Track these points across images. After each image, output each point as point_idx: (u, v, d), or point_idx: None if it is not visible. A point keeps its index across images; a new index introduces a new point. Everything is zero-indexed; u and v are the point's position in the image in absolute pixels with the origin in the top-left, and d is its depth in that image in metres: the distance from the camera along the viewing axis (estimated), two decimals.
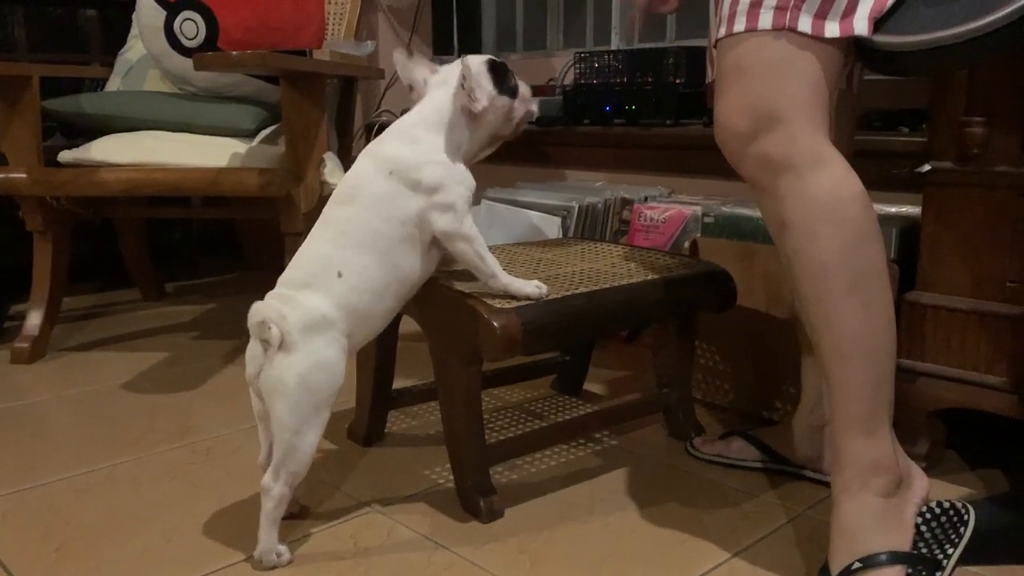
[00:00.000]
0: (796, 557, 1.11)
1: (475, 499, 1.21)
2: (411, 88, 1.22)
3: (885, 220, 1.49)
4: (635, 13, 1.23)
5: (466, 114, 1.16)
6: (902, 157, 1.55)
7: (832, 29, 0.94)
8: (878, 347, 0.96)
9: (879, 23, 0.95)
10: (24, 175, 1.87)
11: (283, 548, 1.10)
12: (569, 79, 2.44)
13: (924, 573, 0.95)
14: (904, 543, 0.97)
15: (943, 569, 0.96)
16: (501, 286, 1.18)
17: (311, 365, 1.06)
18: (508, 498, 1.26)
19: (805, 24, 0.94)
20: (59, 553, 1.13)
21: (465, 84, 1.14)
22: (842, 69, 1.01)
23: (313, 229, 1.15)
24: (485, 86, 1.16)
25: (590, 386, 1.76)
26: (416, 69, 1.21)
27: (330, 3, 2.36)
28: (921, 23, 0.91)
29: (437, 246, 1.17)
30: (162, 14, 1.92)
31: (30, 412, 1.64)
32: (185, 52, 1.91)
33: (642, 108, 2.10)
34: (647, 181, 2.20)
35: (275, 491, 1.07)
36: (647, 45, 2.44)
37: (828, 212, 0.94)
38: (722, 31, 1.00)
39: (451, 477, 1.28)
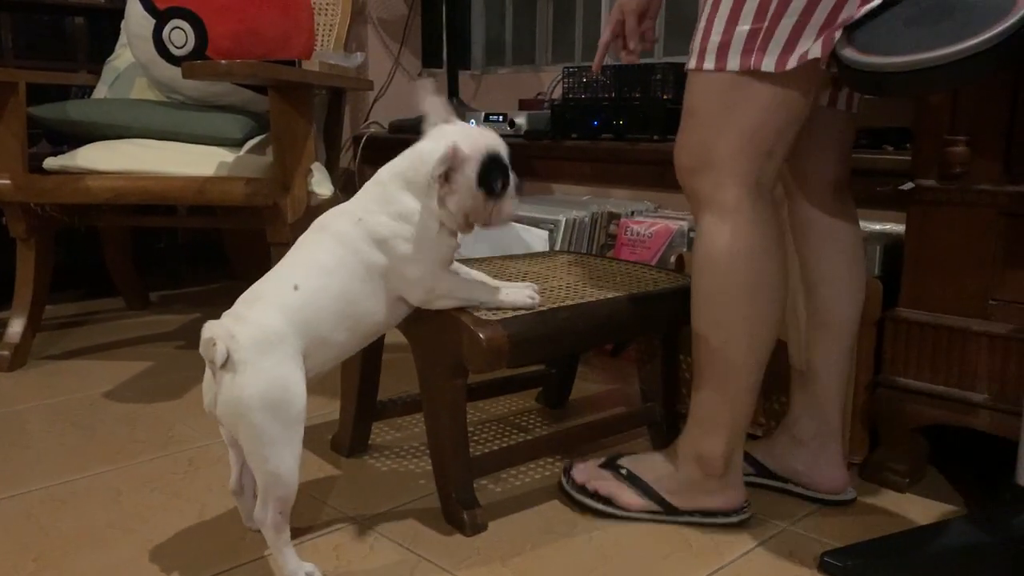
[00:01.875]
0: (778, 573, 1.11)
1: (459, 512, 1.21)
2: (424, 120, 1.14)
3: (869, 237, 1.50)
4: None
5: (439, 186, 1.07)
6: (886, 175, 1.56)
7: (792, 61, 1.00)
8: (728, 377, 1.13)
9: (862, 44, 0.97)
10: (8, 181, 1.85)
11: (310, 566, 1.06)
12: (557, 93, 2.45)
13: (661, 511, 1.22)
14: (669, 499, 1.21)
15: (678, 515, 1.22)
16: (497, 304, 1.18)
17: (267, 383, 0.99)
18: (492, 511, 1.26)
19: (769, 64, 1.01)
20: (37, 563, 1.11)
21: (445, 157, 1.04)
22: (810, 93, 1.06)
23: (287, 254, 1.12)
24: (470, 169, 1.07)
25: (575, 399, 1.75)
26: (434, 107, 1.12)
27: (320, 14, 2.37)
28: (905, 45, 0.93)
29: (405, 302, 1.14)
30: (151, 22, 1.92)
31: (10, 421, 1.63)
32: (174, 61, 1.91)
33: (630, 123, 2.11)
34: (634, 196, 2.21)
35: (268, 521, 1.02)
36: None
37: (718, 258, 1.09)
38: (692, 63, 1.08)
39: (435, 490, 1.27)
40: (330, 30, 2.37)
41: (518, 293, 1.20)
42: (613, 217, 2.07)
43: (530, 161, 2.38)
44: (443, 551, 1.16)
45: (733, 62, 1.03)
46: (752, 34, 1.02)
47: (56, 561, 1.12)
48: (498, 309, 1.18)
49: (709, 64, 1.05)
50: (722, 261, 1.09)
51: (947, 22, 0.91)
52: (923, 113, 1.28)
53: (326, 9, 2.38)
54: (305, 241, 1.12)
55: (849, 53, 0.97)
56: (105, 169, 1.86)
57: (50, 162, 1.93)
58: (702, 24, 1.07)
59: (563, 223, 2.02)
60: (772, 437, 1.34)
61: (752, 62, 1.02)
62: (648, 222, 1.95)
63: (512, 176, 1.12)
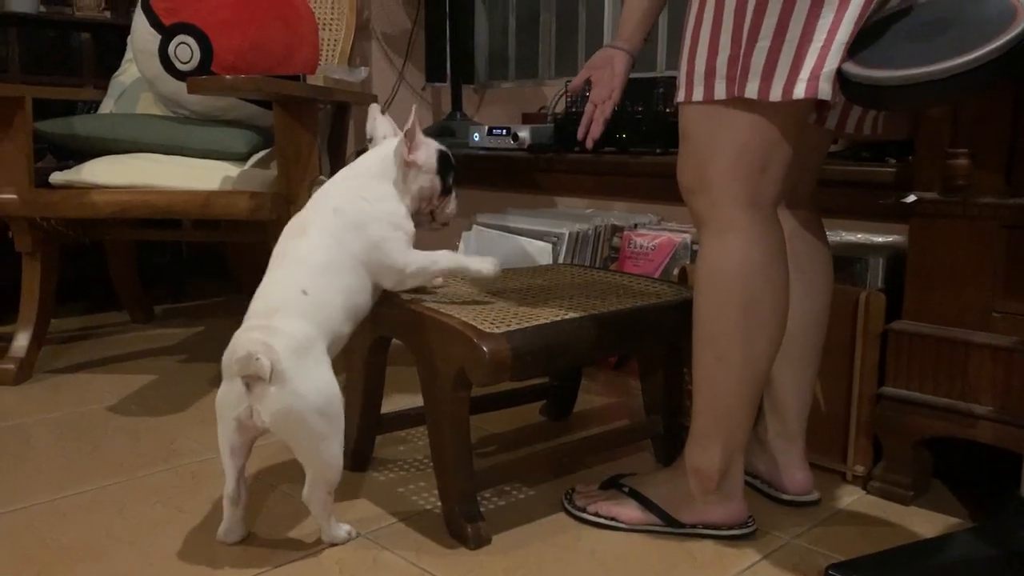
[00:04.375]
0: None
1: (462, 525, 1.20)
2: (371, 140, 1.32)
3: (872, 249, 1.50)
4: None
5: (401, 166, 1.24)
6: (889, 187, 1.57)
7: (776, 93, 1.02)
8: (723, 393, 1.14)
9: (861, 57, 0.97)
10: (15, 196, 1.86)
11: (346, 526, 1.20)
12: (560, 107, 2.46)
13: (661, 522, 1.22)
14: (671, 513, 1.22)
15: (682, 528, 1.21)
16: (464, 273, 1.28)
17: (312, 387, 1.07)
18: (495, 524, 1.26)
19: (752, 90, 1.03)
20: None
21: (409, 134, 1.23)
22: (798, 116, 1.08)
23: (269, 267, 1.19)
24: (429, 152, 1.27)
25: (579, 412, 1.75)
26: (381, 125, 1.31)
27: (324, 29, 2.38)
28: (903, 59, 0.93)
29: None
30: (157, 38, 1.93)
31: (14, 434, 1.63)
32: (179, 76, 1.92)
33: (632, 136, 2.12)
34: (637, 208, 2.22)
35: (317, 500, 1.13)
36: (637, 75, 2.46)
37: (712, 276, 1.11)
38: (681, 95, 1.10)
39: (438, 503, 1.27)
40: (334, 45, 2.39)
41: (481, 260, 1.27)
42: (616, 230, 2.08)
43: (533, 174, 2.39)
44: (446, 564, 1.15)
45: (720, 90, 1.05)
46: (732, 60, 1.03)
47: (58, 574, 1.12)
48: (485, 308, 1.22)
49: (698, 95, 1.08)
50: (717, 279, 1.11)
51: (945, 36, 0.92)
52: (924, 126, 1.28)
53: (330, 24, 2.40)
54: (289, 247, 1.19)
55: (848, 67, 0.98)
56: (110, 183, 1.87)
57: (56, 177, 1.94)
58: (685, 56, 1.09)
59: (566, 236, 2.02)
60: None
61: (736, 89, 1.04)
62: (651, 235, 1.96)
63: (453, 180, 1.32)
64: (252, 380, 1.05)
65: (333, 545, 1.18)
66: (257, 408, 1.06)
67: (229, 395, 1.08)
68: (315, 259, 1.16)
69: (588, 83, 1.42)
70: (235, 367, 1.05)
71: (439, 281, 1.33)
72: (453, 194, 1.32)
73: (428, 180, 1.27)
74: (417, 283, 1.25)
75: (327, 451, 1.10)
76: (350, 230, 1.19)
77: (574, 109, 2.26)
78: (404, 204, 1.25)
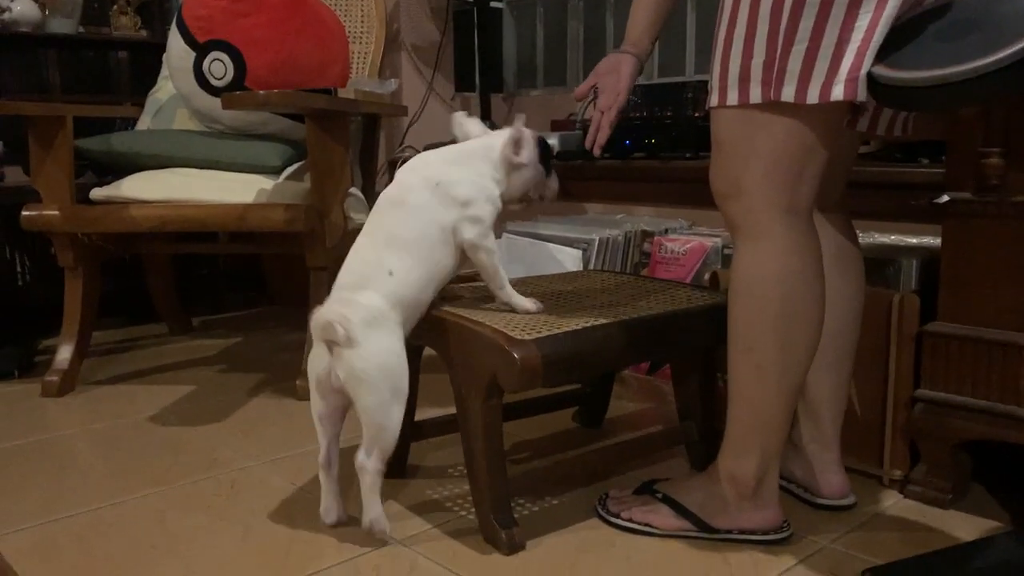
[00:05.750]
0: None
1: (496, 531, 1.21)
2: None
3: (905, 251, 1.49)
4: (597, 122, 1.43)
5: (507, 163, 1.29)
6: (922, 188, 1.55)
7: (813, 96, 1.01)
8: (760, 401, 1.13)
9: (890, 59, 0.97)
10: (57, 212, 1.91)
11: (386, 520, 1.23)
12: (589, 114, 2.46)
13: (696, 528, 1.22)
14: (706, 519, 1.21)
15: (717, 533, 1.21)
16: (506, 298, 1.29)
17: (381, 352, 1.18)
18: (530, 530, 1.26)
19: (789, 94, 1.02)
20: None
21: (514, 137, 1.28)
22: (835, 119, 1.07)
23: (361, 235, 1.27)
24: (531, 149, 1.31)
25: (612, 418, 1.75)
26: (472, 127, 1.36)
27: (354, 42, 2.42)
28: (932, 59, 0.93)
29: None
30: (191, 55, 1.97)
31: (58, 445, 1.67)
32: (213, 92, 1.96)
33: (661, 142, 2.12)
34: (667, 214, 2.22)
35: (370, 467, 1.19)
36: (666, 80, 2.46)
37: (749, 283, 1.11)
38: (714, 100, 1.10)
39: (473, 509, 1.28)
40: (364, 58, 2.42)
41: (527, 299, 1.30)
42: (647, 235, 2.08)
43: (563, 181, 2.40)
44: (482, 570, 1.16)
45: (755, 94, 1.05)
46: (767, 64, 1.03)
47: None
48: (511, 311, 1.28)
49: (732, 99, 1.07)
50: (754, 286, 1.10)
51: (975, 35, 0.91)
52: (956, 126, 1.27)
53: (360, 37, 2.43)
54: (386, 218, 1.26)
55: (878, 69, 0.98)
56: (149, 198, 1.92)
57: (96, 192, 1.98)
58: (717, 61, 1.09)
59: (596, 242, 2.03)
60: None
61: (772, 93, 1.03)
62: (682, 240, 1.95)
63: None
64: (331, 344, 1.16)
65: (371, 532, 1.21)
66: (335, 368, 1.17)
67: (316, 357, 1.21)
68: (407, 235, 1.23)
69: (595, 90, 1.42)
70: (319, 332, 1.17)
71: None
72: (553, 173, 1.38)
73: (532, 172, 1.32)
74: (483, 262, 1.27)
75: (386, 415, 1.18)
76: (447, 201, 1.24)
77: None
78: (500, 189, 1.30)
